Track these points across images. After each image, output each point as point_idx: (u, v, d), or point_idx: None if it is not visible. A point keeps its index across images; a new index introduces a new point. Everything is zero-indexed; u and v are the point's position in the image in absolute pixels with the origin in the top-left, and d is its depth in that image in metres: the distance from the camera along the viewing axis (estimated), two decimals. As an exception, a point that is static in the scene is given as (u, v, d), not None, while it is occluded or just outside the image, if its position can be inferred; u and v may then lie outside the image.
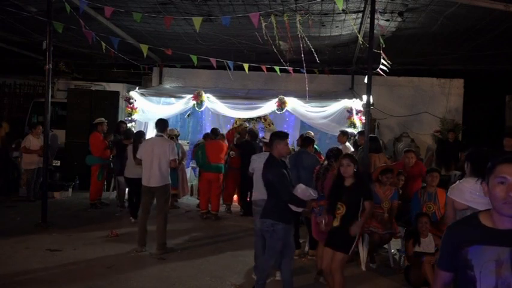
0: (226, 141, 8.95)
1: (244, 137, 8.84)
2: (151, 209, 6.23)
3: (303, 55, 7.82)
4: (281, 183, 4.27)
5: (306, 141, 6.47)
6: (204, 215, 8.14)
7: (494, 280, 1.80)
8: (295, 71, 8.97)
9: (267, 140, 5.26)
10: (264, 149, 5.56)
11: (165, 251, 5.95)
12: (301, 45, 7.82)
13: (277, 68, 9.00)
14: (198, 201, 9.02)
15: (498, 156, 1.90)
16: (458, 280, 1.95)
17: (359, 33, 7.98)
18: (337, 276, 4.18)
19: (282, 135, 4.53)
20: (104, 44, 7.82)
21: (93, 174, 8.70)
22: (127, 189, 8.70)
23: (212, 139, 8.52)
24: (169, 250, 6.03)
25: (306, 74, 8.58)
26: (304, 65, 8.12)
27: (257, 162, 5.12)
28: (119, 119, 10.14)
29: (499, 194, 1.81)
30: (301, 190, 4.30)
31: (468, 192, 3.50)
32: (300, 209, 4.33)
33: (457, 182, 3.88)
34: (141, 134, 8.00)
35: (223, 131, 10.92)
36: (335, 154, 5.47)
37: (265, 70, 9.23)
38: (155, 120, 10.28)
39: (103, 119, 9.00)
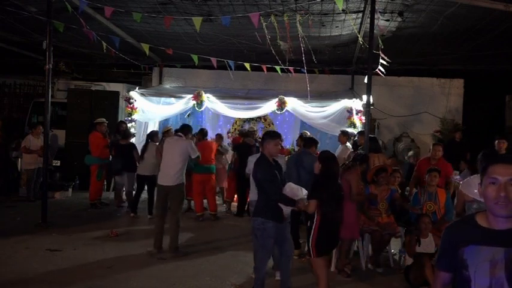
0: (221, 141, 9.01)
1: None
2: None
3: (303, 55, 7.82)
4: (269, 182, 4.28)
5: (308, 141, 6.48)
6: (200, 218, 8.05)
7: (488, 280, 1.82)
8: (295, 71, 8.97)
9: None
10: (260, 149, 5.56)
11: (178, 254, 5.89)
12: (301, 45, 7.82)
13: (278, 67, 9.01)
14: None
15: (491, 157, 1.93)
16: (455, 280, 1.97)
17: (359, 33, 7.98)
18: (316, 275, 4.22)
19: (273, 135, 4.53)
20: (104, 44, 7.83)
21: (92, 174, 8.71)
22: (124, 188, 8.73)
23: (200, 140, 8.33)
24: (182, 253, 5.95)
25: (306, 74, 8.58)
26: (305, 65, 8.13)
27: (253, 163, 5.12)
28: (119, 119, 10.15)
29: (490, 194, 1.84)
30: (290, 189, 4.32)
31: (474, 186, 3.92)
32: (289, 208, 4.35)
33: (468, 177, 4.67)
34: (154, 134, 8.16)
35: (223, 131, 10.95)
36: (362, 158, 5.89)
37: (265, 70, 9.23)
38: (155, 120, 10.52)
39: (103, 119, 9.00)
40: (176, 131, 6.57)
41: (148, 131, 9.97)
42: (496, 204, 1.82)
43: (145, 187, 8.32)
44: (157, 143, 7.94)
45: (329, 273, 4.24)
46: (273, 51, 8.10)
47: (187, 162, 6.24)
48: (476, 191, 3.81)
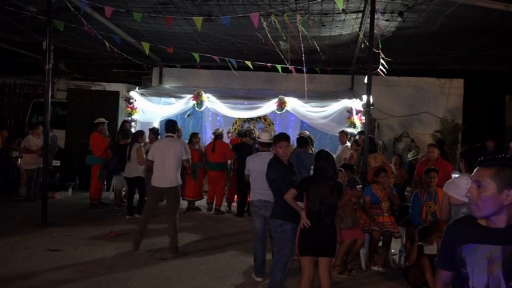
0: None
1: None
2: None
3: (303, 55, 7.82)
4: (281, 181, 4.31)
5: (302, 141, 6.50)
6: (208, 205, 8.76)
7: (486, 278, 1.85)
8: (296, 70, 8.99)
9: (262, 140, 5.28)
10: (260, 149, 5.56)
11: (178, 254, 5.86)
12: (302, 45, 7.82)
13: (279, 66, 9.03)
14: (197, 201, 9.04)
15: (477, 160, 1.98)
16: (454, 278, 2.00)
17: (359, 31, 7.97)
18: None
19: (277, 137, 4.56)
20: (107, 44, 7.84)
21: (94, 174, 8.70)
22: (123, 188, 8.74)
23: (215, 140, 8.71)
24: (182, 253, 5.93)
25: (305, 74, 8.58)
26: (304, 64, 8.13)
27: (252, 163, 5.12)
28: (119, 119, 10.15)
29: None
30: None
31: (465, 189, 3.55)
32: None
33: (453, 177, 4.10)
34: (139, 134, 8.04)
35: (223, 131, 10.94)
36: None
37: (268, 67, 9.27)
38: (158, 120, 10.53)
39: (103, 119, 8.99)
40: (166, 130, 6.25)
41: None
42: (470, 204, 1.91)
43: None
44: (143, 144, 7.97)
45: (313, 273, 4.06)
46: (278, 50, 8.13)
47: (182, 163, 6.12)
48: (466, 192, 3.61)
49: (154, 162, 5.98)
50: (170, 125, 6.23)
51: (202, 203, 9.13)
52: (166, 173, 5.87)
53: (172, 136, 6.13)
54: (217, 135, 8.85)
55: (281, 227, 4.31)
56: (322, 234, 4.00)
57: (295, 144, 9.47)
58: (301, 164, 5.99)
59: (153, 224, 7.50)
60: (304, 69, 8.37)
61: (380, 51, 6.92)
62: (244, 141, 8.58)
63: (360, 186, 5.88)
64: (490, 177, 1.85)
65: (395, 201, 5.94)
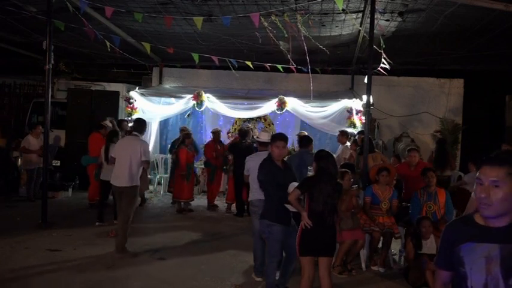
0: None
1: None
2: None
3: (307, 54, 7.81)
4: (268, 183, 4.30)
5: (304, 140, 6.49)
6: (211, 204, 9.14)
7: (484, 277, 1.85)
8: (297, 70, 8.99)
9: (262, 140, 5.27)
10: (258, 148, 5.55)
11: (124, 255, 5.69)
12: (304, 45, 7.81)
13: (279, 66, 9.03)
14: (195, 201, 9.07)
15: (483, 158, 1.96)
16: (453, 278, 2.00)
17: (361, 27, 7.95)
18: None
19: (275, 137, 4.54)
20: (108, 43, 7.84)
21: (90, 175, 8.63)
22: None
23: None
24: (129, 254, 5.77)
25: (310, 74, 8.55)
26: (309, 64, 8.13)
27: (251, 163, 5.12)
28: (119, 119, 10.13)
29: (477, 194, 1.89)
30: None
31: None
32: (295, 209, 4.33)
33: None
34: (114, 134, 7.63)
35: (223, 131, 10.94)
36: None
37: (268, 68, 9.27)
38: (158, 121, 10.55)
39: (109, 123, 8.76)
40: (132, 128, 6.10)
41: (153, 130, 10.09)
42: (479, 204, 1.86)
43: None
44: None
45: (313, 273, 4.04)
46: (283, 48, 8.12)
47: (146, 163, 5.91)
48: None
49: (116, 161, 5.87)
50: (137, 124, 6.18)
51: (202, 203, 9.15)
52: (122, 172, 5.74)
53: (136, 135, 5.97)
54: (212, 133, 9.35)
55: (268, 228, 4.30)
56: (324, 235, 3.99)
57: (295, 144, 9.52)
58: (303, 164, 5.99)
59: (153, 224, 7.54)
60: (309, 69, 8.36)
61: (382, 51, 6.92)
62: (240, 141, 8.49)
63: (356, 186, 5.86)
64: (507, 176, 1.81)
65: (393, 208, 5.88)
